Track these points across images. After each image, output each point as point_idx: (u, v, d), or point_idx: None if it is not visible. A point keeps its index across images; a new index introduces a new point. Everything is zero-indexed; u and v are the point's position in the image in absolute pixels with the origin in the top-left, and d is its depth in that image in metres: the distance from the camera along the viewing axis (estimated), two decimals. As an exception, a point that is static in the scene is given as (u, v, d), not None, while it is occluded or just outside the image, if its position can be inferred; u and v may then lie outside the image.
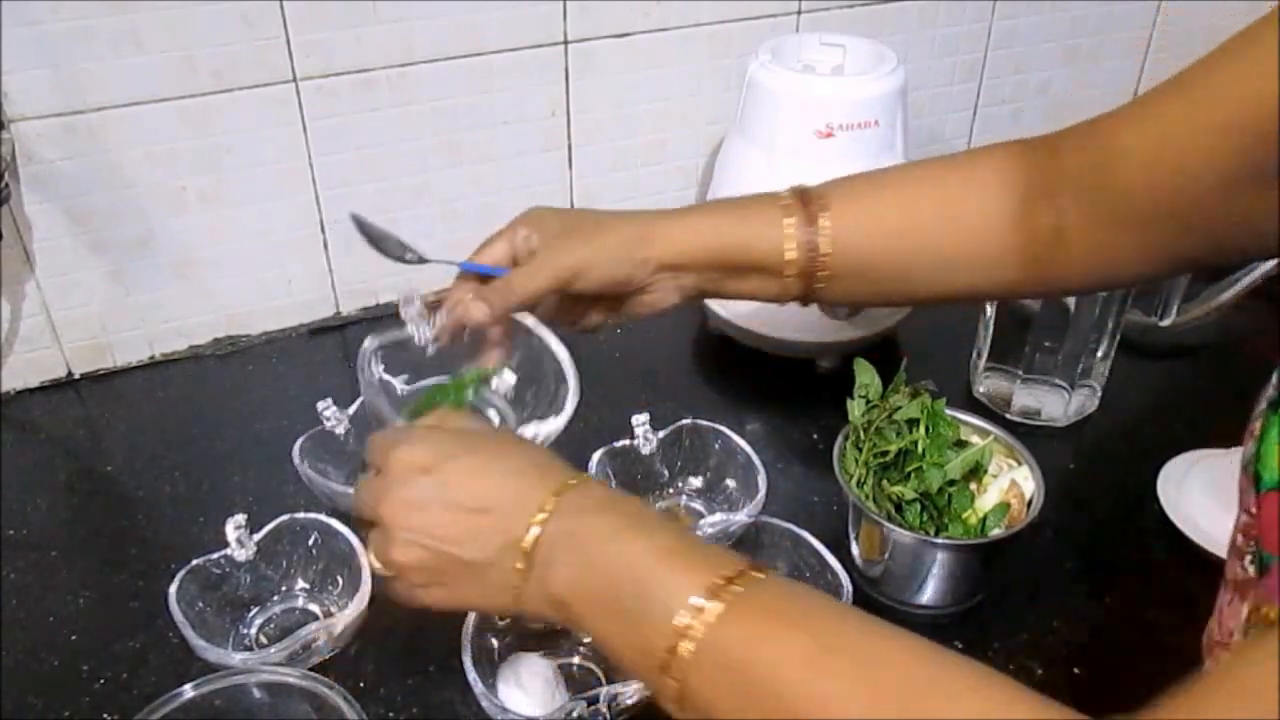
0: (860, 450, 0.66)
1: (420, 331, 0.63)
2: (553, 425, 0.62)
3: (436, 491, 0.49)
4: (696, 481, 0.75)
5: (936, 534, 0.64)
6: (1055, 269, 0.58)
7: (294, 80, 0.82)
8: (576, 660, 0.63)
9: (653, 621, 0.41)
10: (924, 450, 0.65)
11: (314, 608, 0.67)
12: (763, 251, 0.60)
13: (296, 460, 0.70)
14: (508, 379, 0.65)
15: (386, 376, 0.66)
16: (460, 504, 0.48)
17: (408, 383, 0.68)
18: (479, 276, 0.63)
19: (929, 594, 0.66)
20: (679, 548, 0.44)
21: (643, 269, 0.61)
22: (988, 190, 0.59)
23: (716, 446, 0.74)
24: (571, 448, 0.78)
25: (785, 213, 0.60)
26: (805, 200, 0.60)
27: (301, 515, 0.67)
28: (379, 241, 0.67)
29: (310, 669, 0.58)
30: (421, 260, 0.67)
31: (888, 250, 0.60)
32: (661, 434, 0.74)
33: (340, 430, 0.75)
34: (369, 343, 0.64)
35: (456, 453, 0.50)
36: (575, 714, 0.55)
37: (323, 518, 0.67)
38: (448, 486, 0.49)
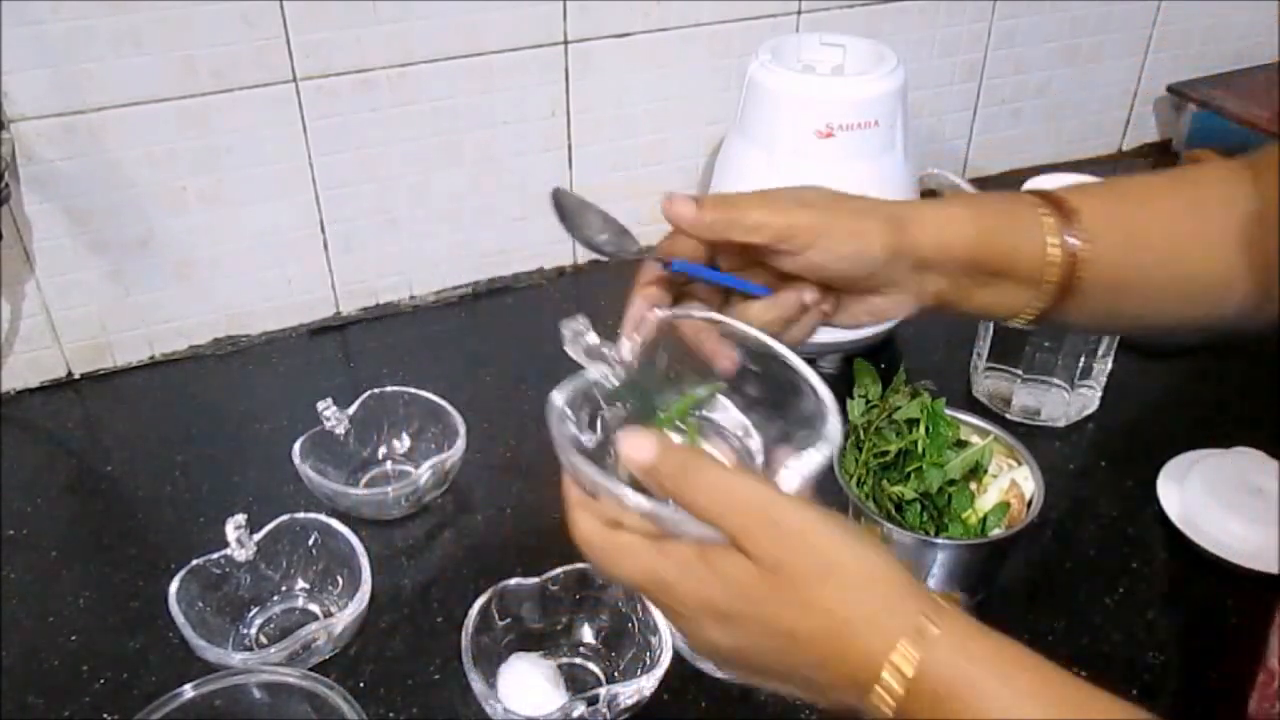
0: (860, 450, 0.66)
1: (603, 361, 0.53)
2: (812, 461, 0.45)
3: (742, 641, 0.39)
4: (696, 481, 0.75)
5: (936, 534, 0.64)
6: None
7: (294, 80, 0.82)
8: (576, 660, 0.63)
9: None
10: (924, 450, 0.65)
11: (314, 608, 0.67)
12: (1026, 255, 0.52)
13: (296, 460, 0.70)
14: (731, 413, 0.51)
15: (575, 431, 0.54)
16: (776, 665, 0.39)
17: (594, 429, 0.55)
18: (686, 278, 0.52)
19: (929, 594, 0.65)
20: None
21: (893, 263, 0.50)
22: (1220, 210, 0.55)
23: (716, 446, 0.74)
24: (571, 448, 0.79)
25: (1043, 213, 0.52)
26: (1055, 203, 0.53)
27: (301, 515, 0.67)
28: (575, 217, 0.56)
29: (310, 669, 0.58)
30: (635, 253, 0.54)
31: (1142, 266, 0.54)
32: (661, 434, 0.73)
33: (340, 430, 0.75)
34: (557, 398, 0.52)
35: (751, 614, 0.38)
36: (575, 714, 0.55)
37: (323, 518, 0.67)
38: (776, 619, 0.38)
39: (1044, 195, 0.54)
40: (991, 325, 0.81)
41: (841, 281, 0.51)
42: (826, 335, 0.83)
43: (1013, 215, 0.53)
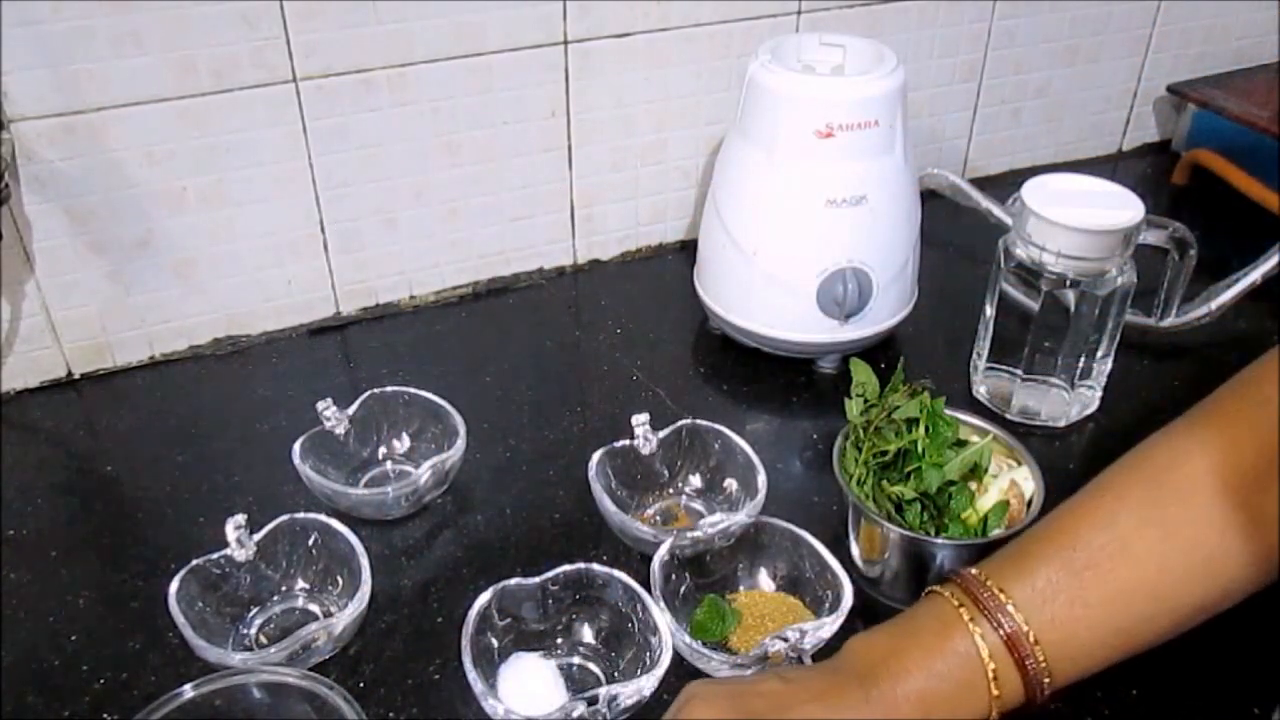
0: (860, 450, 0.66)
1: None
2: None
3: None
4: (696, 481, 0.75)
5: (936, 534, 0.64)
6: None
7: (294, 80, 0.82)
8: (576, 660, 0.63)
9: None
10: (923, 450, 0.65)
11: (314, 608, 0.67)
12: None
13: (296, 460, 0.70)
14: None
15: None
16: None
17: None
18: None
19: (929, 594, 0.65)
20: None
21: None
22: (1180, 508, 0.53)
23: (716, 446, 0.74)
24: (571, 448, 0.79)
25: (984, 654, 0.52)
26: (997, 626, 0.53)
27: (301, 515, 0.67)
28: None
29: (310, 669, 0.58)
30: None
31: (1112, 650, 0.54)
32: (661, 434, 0.74)
33: (340, 430, 0.75)
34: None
35: None
36: (575, 714, 0.55)
37: (323, 518, 0.67)
38: None
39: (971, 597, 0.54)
40: (991, 325, 0.81)
41: None
42: (826, 335, 0.84)
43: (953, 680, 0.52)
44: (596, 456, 0.71)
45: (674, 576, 0.64)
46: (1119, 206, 0.74)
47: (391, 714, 0.60)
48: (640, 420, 0.73)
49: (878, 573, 0.67)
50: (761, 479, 0.70)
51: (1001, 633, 0.53)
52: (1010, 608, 0.53)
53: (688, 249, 1.02)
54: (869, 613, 0.66)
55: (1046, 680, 0.53)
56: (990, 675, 0.52)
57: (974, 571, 0.56)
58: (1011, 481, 0.66)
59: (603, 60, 0.91)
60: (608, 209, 1.00)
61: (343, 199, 0.88)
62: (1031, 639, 0.52)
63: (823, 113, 0.77)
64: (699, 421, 0.74)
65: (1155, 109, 1.22)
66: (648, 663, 0.59)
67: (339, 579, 0.66)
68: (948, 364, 0.88)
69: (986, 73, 1.09)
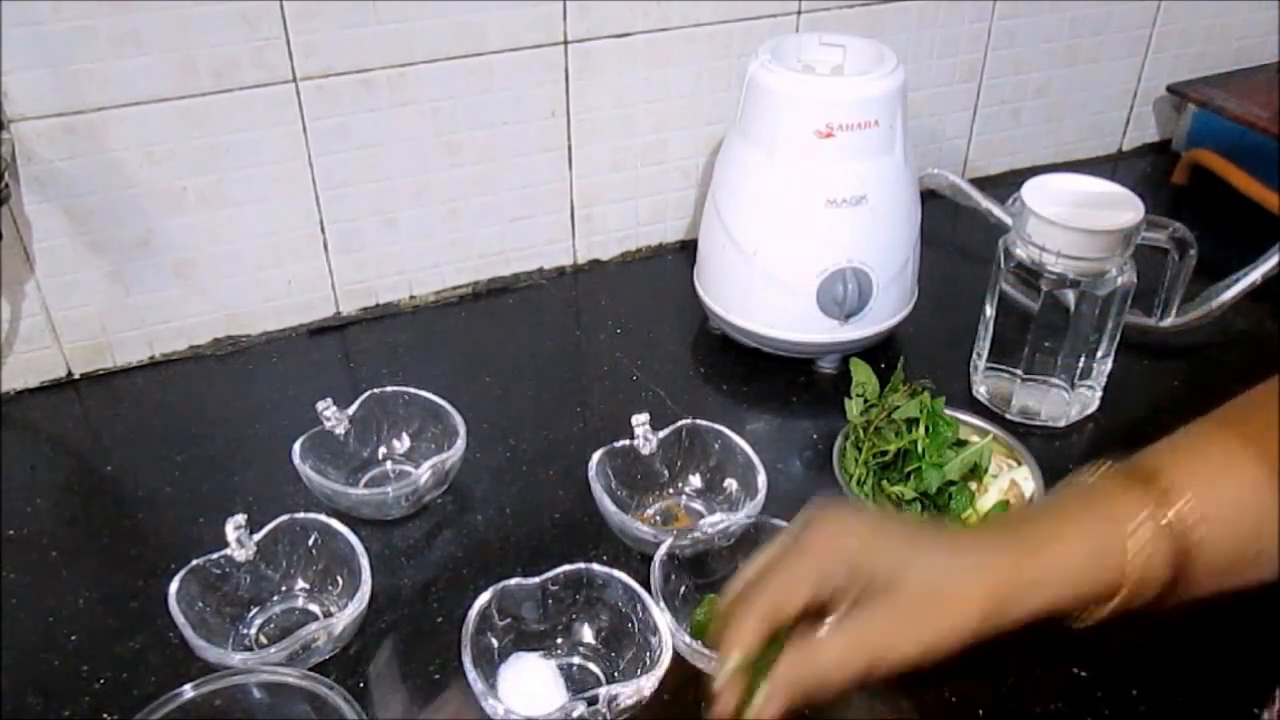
0: (860, 450, 0.66)
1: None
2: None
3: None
4: (696, 481, 0.75)
5: (936, 534, 0.64)
6: None
7: (294, 80, 0.82)
8: (576, 660, 0.63)
9: None
10: (923, 450, 0.65)
11: (314, 608, 0.67)
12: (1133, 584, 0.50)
13: (296, 460, 0.70)
14: None
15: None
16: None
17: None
18: None
19: (929, 594, 0.65)
20: None
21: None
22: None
23: (716, 446, 0.74)
24: (571, 447, 0.79)
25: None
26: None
27: (301, 515, 0.67)
28: None
29: (310, 669, 0.58)
30: None
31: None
32: (661, 434, 0.74)
33: (340, 430, 0.75)
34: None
35: None
36: (575, 714, 0.55)
37: (323, 518, 0.67)
38: None
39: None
40: (991, 325, 0.81)
41: None
42: (826, 335, 0.83)
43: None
44: (596, 456, 0.71)
45: (674, 576, 0.64)
46: (1119, 206, 0.74)
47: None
48: (640, 420, 0.73)
49: (878, 573, 0.67)
50: (761, 479, 0.70)
51: (1163, 514, 0.49)
52: (1174, 491, 0.50)
53: (688, 249, 1.02)
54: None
55: (1196, 569, 0.49)
56: (1136, 555, 0.49)
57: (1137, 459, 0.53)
58: (1011, 481, 0.66)
59: (603, 60, 0.91)
60: (608, 209, 1.00)
61: (343, 199, 0.88)
62: (1193, 519, 0.49)
63: (823, 113, 0.77)
64: (699, 421, 0.74)
65: (1155, 109, 1.22)
66: (648, 663, 0.59)
67: (339, 579, 0.66)
68: (948, 364, 0.88)
69: (986, 73, 1.09)
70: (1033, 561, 0.49)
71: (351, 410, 0.76)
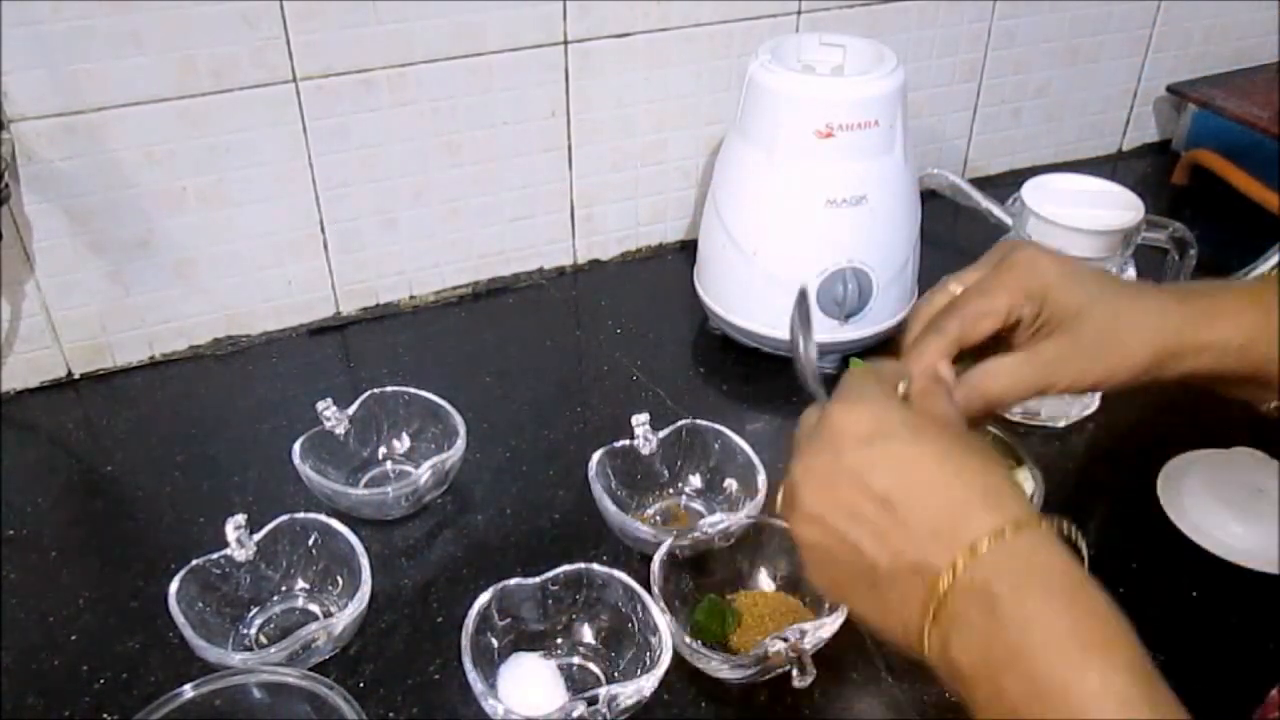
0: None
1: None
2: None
3: (860, 471, 0.42)
4: (696, 481, 0.75)
5: (936, 534, 0.64)
6: None
7: (294, 80, 0.82)
8: (576, 660, 0.63)
9: None
10: None
11: (314, 608, 0.67)
12: None
13: (296, 460, 0.70)
14: None
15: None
16: (880, 497, 0.41)
17: None
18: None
19: (929, 594, 0.65)
20: (1140, 707, 0.36)
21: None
22: None
23: (716, 446, 0.74)
24: (571, 447, 0.79)
25: None
26: None
27: (301, 515, 0.67)
28: (798, 331, 0.54)
29: (310, 669, 0.58)
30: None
31: None
32: (661, 434, 0.74)
33: (340, 430, 0.75)
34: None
35: (904, 434, 0.43)
36: (575, 714, 0.55)
37: (323, 518, 0.67)
38: (875, 470, 0.42)
39: None
40: (991, 325, 0.81)
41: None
42: (825, 335, 0.83)
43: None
44: (596, 456, 0.71)
45: (674, 576, 0.64)
46: (1119, 206, 0.74)
47: (391, 714, 0.60)
48: (640, 420, 0.73)
49: (878, 573, 0.67)
50: (761, 479, 0.70)
51: None
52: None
53: (688, 249, 1.02)
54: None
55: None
56: None
57: None
58: (1011, 481, 0.66)
59: (603, 60, 0.91)
60: (608, 209, 1.00)
61: (343, 199, 0.88)
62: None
63: (823, 113, 0.77)
64: (699, 421, 0.74)
65: (1155, 109, 1.22)
66: (648, 663, 0.59)
67: (339, 579, 0.66)
68: (948, 364, 0.87)
69: (986, 73, 1.09)
70: (1201, 326, 0.52)
71: (351, 410, 0.76)
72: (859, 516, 0.42)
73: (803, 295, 0.52)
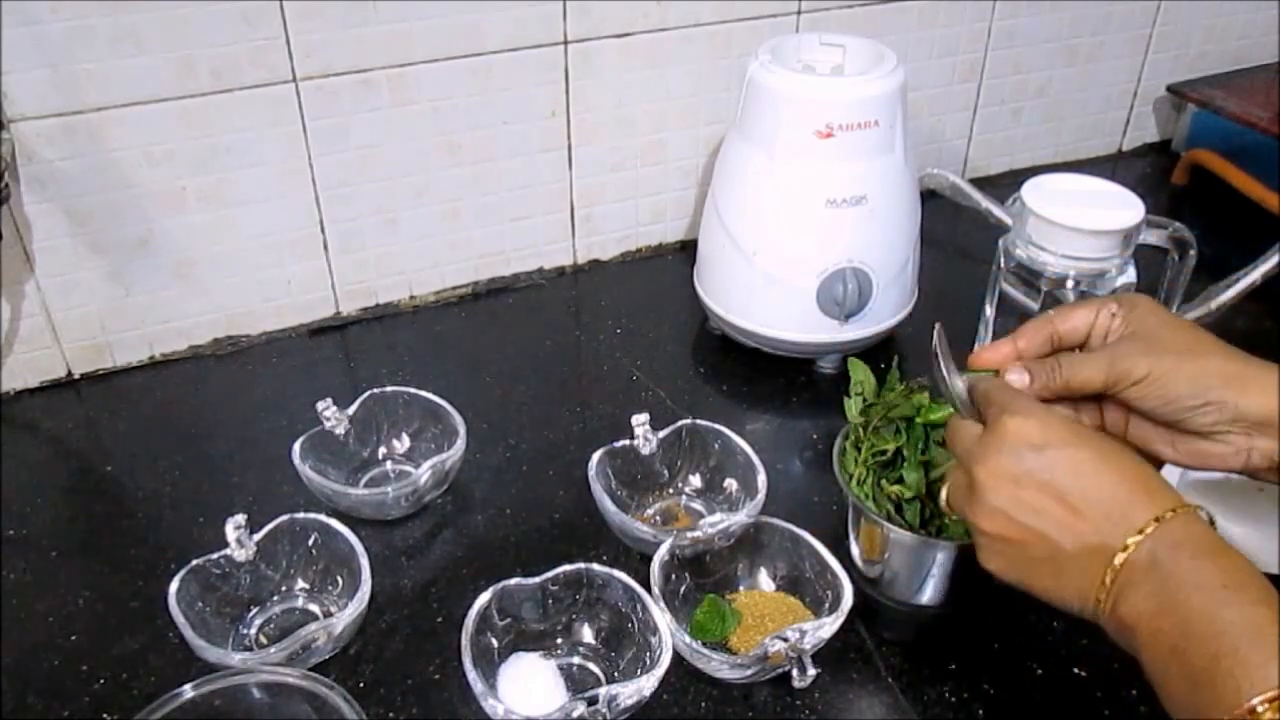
0: (859, 450, 0.66)
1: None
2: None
3: (1040, 473, 0.49)
4: (696, 481, 0.75)
5: (937, 534, 0.64)
6: None
7: (294, 80, 0.82)
8: (576, 660, 0.63)
9: (1219, 694, 0.41)
10: (903, 450, 0.64)
11: (314, 608, 0.67)
12: None
13: (296, 460, 0.70)
14: None
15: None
16: (1060, 494, 0.49)
17: None
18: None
19: (929, 594, 0.66)
20: (1270, 629, 0.41)
21: (1214, 412, 0.52)
22: None
23: (716, 446, 0.74)
24: (571, 447, 0.79)
25: None
26: None
27: (301, 515, 0.67)
28: (942, 364, 0.60)
29: (310, 669, 0.58)
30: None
31: None
32: (661, 434, 0.74)
33: (340, 430, 0.75)
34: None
35: (1070, 440, 0.50)
36: (575, 714, 0.55)
37: (323, 518, 0.67)
38: (1053, 472, 0.49)
39: None
40: (991, 325, 0.81)
41: (1169, 417, 0.54)
42: (826, 335, 0.83)
43: None
44: (596, 456, 0.71)
45: (674, 576, 0.64)
46: (1119, 206, 0.74)
47: (391, 714, 0.60)
48: (640, 420, 0.73)
49: (878, 573, 0.67)
50: (761, 479, 0.70)
51: None
52: None
53: (688, 249, 1.02)
54: (869, 613, 0.66)
55: None
56: None
57: None
58: (1011, 481, 0.66)
59: (603, 60, 0.91)
60: (608, 209, 1.00)
61: (343, 199, 0.88)
62: None
63: (823, 113, 0.77)
64: (699, 421, 0.74)
65: (1155, 109, 1.22)
66: (648, 663, 0.59)
67: (339, 579, 0.66)
68: (948, 364, 0.87)
69: (986, 73, 1.09)
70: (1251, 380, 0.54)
71: (351, 410, 0.76)
72: (1043, 511, 0.49)
73: (940, 333, 0.60)
